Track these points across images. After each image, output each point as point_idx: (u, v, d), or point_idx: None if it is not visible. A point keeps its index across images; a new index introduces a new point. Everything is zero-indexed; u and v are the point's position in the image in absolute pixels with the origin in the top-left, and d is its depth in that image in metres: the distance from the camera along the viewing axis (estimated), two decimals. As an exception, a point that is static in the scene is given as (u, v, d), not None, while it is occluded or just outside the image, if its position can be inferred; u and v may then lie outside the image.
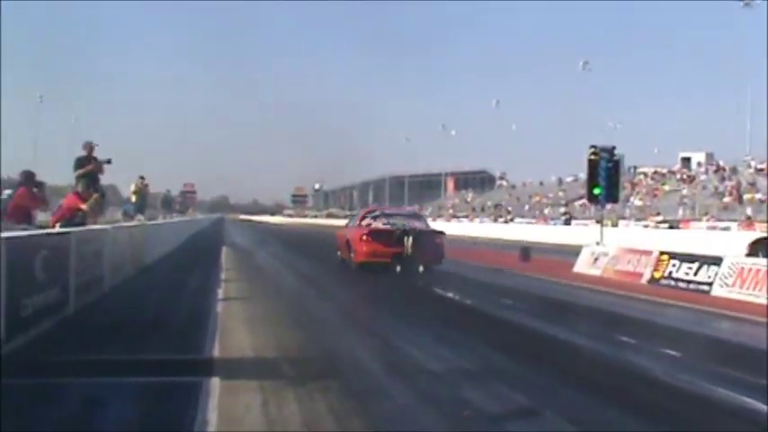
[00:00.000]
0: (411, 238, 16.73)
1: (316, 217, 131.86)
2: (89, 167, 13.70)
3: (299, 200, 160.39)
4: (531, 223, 57.30)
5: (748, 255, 16.32)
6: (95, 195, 13.25)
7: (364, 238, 17.17)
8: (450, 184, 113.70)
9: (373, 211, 19.49)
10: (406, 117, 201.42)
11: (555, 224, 52.73)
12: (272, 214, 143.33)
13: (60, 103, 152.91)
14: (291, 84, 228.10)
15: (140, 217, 21.97)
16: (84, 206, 12.85)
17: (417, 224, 18.07)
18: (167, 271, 16.49)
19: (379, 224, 17.88)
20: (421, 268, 16.59)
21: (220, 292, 12.36)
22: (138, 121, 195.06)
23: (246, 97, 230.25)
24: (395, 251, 16.75)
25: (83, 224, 12.31)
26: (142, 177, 23.40)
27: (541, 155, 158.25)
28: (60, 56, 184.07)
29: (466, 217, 75.38)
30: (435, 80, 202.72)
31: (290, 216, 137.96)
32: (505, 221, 62.82)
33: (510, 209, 70.51)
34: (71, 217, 12.62)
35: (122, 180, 32.88)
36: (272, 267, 19.85)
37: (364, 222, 18.23)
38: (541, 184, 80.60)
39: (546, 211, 63.39)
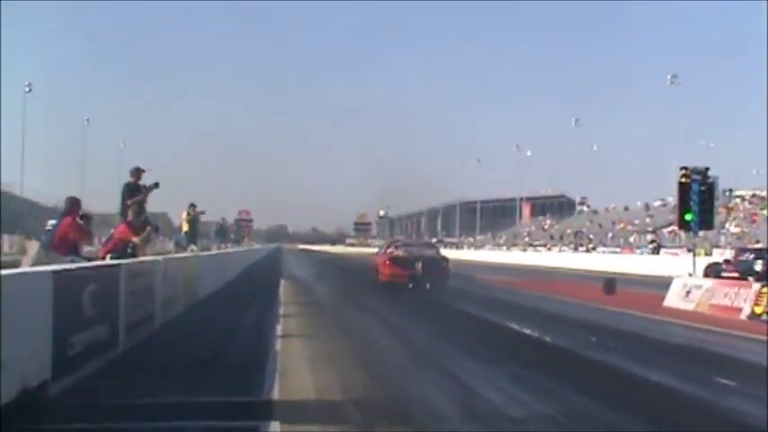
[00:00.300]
0: (421, 263, 23.11)
1: (380, 247, 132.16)
2: (139, 197, 13.86)
3: (362, 228, 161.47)
4: (615, 252, 56.57)
5: None
6: (149, 228, 13.45)
7: (387, 263, 23.75)
8: (526, 210, 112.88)
9: (396, 241, 26.29)
10: (478, 137, 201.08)
11: (641, 253, 51.86)
12: (333, 243, 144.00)
13: (109, 125, 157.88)
14: (353, 105, 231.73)
15: (193, 247, 22.30)
16: (135, 239, 13.07)
17: (428, 252, 24.99)
18: (222, 306, 16.64)
19: (399, 252, 24.60)
20: (428, 285, 22.23)
21: (279, 329, 12.41)
22: (190, 146, 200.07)
23: (305, 117, 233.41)
24: (409, 273, 22.96)
25: (133, 256, 12.55)
26: (193, 205, 23.74)
27: (626, 177, 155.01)
28: (108, 78, 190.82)
29: (543, 246, 74.86)
30: (510, 97, 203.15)
31: (351, 245, 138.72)
32: (587, 250, 62.10)
33: (591, 236, 69.73)
34: (122, 248, 12.85)
35: (174, 208, 33.50)
36: (333, 302, 19.94)
37: (389, 251, 25.00)
38: (626, 209, 79.69)
39: (631, 239, 62.45)
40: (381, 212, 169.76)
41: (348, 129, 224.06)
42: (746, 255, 24.03)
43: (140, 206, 13.96)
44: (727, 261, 23.96)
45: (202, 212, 24.40)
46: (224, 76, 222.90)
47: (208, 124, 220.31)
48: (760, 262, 22.35)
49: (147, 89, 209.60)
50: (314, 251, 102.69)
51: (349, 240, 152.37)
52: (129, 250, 12.90)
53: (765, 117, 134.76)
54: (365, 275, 27.30)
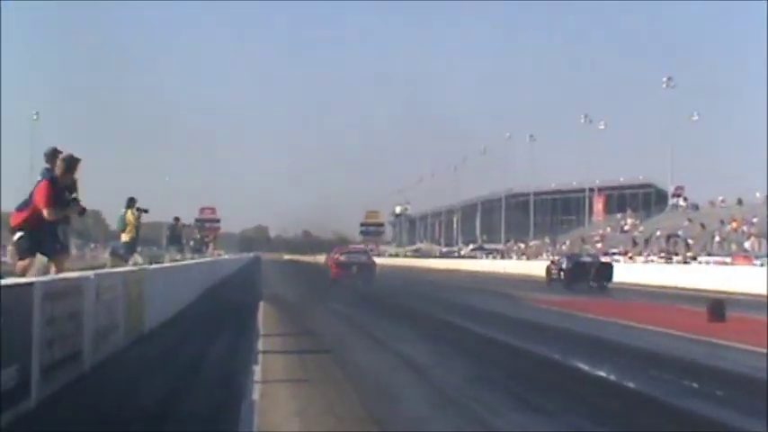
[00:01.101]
0: (356, 267, 45.14)
1: (397, 255, 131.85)
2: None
3: (371, 230, 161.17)
4: (724, 263, 56.04)
5: None
6: (75, 204, 13.65)
7: (334, 265, 46.20)
8: (599, 205, 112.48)
9: (341, 249, 51.47)
10: (532, 107, 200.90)
11: (762, 264, 51.34)
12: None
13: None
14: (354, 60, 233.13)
15: (137, 259, 22.30)
16: (48, 210, 13.30)
17: (362, 258, 48.08)
18: (178, 339, 16.70)
19: (342, 258, 47.59)
20: (360, 283, 41.94)
21: (258, 371, 12.46)
22: (133, 125, 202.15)
23: (289, 81, 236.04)
24: (347, 272, 44.31)
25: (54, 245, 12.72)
26: (133, 199, 24.08)
27: (739, 160, 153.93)
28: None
29: (622, 254, 74.39)
30: (573, 51, 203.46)
31: None
32: (684, 260, 61.68)
33: (690, 241, 69.26)
34: (36, 224, 13.16)
35: (111, 206, 33.61)
36: (332, 331, 19.92)
37: (335, 257, 48.22)
38: (740, 203, 78.69)
39: (747, 245, 61.88)
40: (398, 209, 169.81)
41: (348, 90, 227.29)
42: None
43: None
44: None
45: (145, 211, 24.61)
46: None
47: (156, 96, 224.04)
48: None
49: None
50: (305, 262, 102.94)
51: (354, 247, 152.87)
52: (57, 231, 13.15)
53: None
54: (377, 296, 27.24)
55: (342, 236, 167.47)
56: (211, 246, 68.17)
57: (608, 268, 45.30)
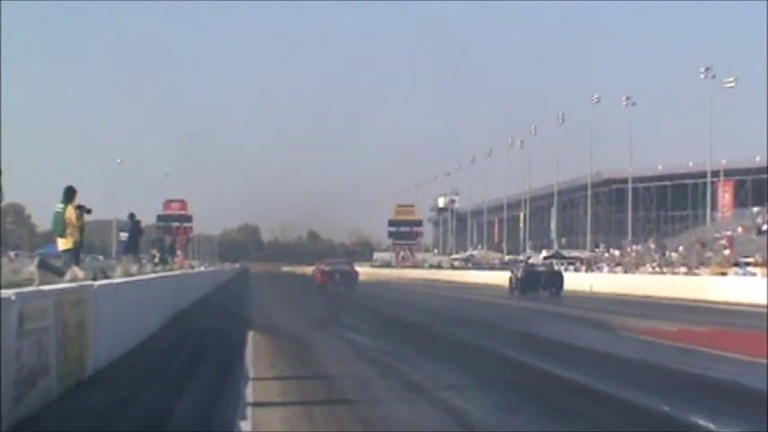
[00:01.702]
0: (338, 274, 75.10)
1: (440, 266, 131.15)
2: None
3: (404, 232, 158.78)
4: None
5: None
6: None
7: (319, 273, 78.87)
8: (726, 194, 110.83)
9: (325, 260, 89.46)
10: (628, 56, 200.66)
11: None
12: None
13: None
14: None
15: (77, 272, 22.15)
16: None
17: (345, 267, 79.92)
18: (133, 386, 16.55)
19: (326, 267, 78.90)
20: (342, 288, 70.98)
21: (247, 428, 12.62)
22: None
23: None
24: (331, 280, 74.15)
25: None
26: (71, 190, 24.16)
27: None
28: None
29: (759, 265, 73.63)
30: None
31: (380, 266, 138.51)
32: None
33: None
34: None
35: (41, 200, 33.67)
36: (348, 372, 19.87)
37: (320, 267, 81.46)
38: None
39: None
40: (442, 202, 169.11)
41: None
42: None
43: None
44: None
45: (87, 211, 24.80)
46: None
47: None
48: None
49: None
50: (310, 276, 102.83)
51: (378, 256, 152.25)
52: None
53: None
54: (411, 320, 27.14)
55: (363, 237, 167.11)
56: (180, 254, 67.98)
57: (558, 277, 68.91)
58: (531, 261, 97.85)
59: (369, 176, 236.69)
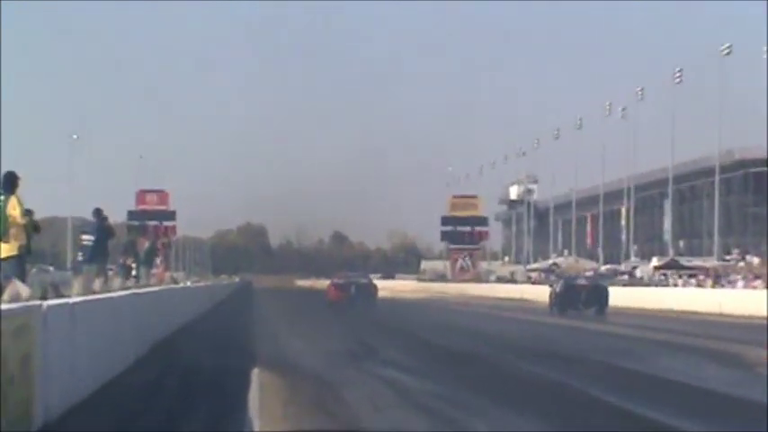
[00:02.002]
0: (354, 287, 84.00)
1: (513, 279, 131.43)
2: None
3: (463, 231, 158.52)
4: None
5: None
6: None
7: (332, 288, 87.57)
8: None
9: (340, 274, 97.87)
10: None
11: None
12: (386, 276, 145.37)
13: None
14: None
15: (20, 289, 21.50)
16: None
17: (362, 279, 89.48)
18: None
19: (340, 281, 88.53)
20: (358, 304, 74.87)
21: None
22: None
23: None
24: (346, 294, 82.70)
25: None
26: (13, 177, 23.97)
27: None
28: None
29: None
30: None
31: (431, 279, 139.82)
32: None
33: None
34: None
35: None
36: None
37: (334, 280, 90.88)
38: None
39: None
40: (515, 192, 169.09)
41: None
42: None
43: None
44: None
45: (27, 211, 24.19)
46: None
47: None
48: None
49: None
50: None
51: (428, 265, 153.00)
52: None
53: None
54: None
55: (407, 240, 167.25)
56: (161, 264, 67.90)
57: (602, 292, 72.30)
58: (638, 273, 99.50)
59: (414, 156, 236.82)
